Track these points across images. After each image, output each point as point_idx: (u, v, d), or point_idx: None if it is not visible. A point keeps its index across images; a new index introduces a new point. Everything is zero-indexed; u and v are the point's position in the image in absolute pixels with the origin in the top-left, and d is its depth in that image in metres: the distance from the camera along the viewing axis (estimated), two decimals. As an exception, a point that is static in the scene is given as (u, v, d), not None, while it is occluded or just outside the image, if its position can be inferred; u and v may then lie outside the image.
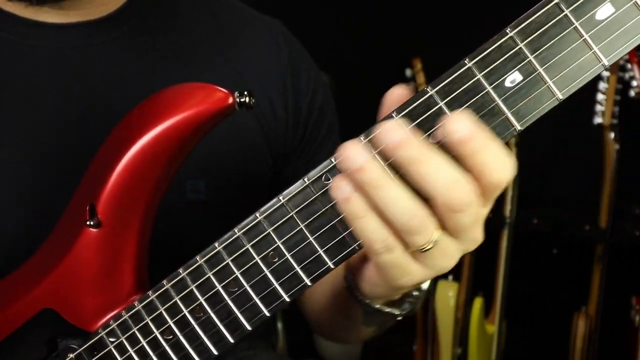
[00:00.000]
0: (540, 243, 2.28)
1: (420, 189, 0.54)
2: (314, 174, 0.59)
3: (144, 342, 0.66)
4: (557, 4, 0.52)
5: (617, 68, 2.06)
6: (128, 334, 0.67)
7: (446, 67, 0.55)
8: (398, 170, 0.54)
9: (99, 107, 0.82)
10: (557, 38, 0.53)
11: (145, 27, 0.88)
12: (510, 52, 0.53)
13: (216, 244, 0.63)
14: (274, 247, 0.61)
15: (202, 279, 0.64)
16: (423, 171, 0.53)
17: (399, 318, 0.70)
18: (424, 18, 2.38)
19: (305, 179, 0.59)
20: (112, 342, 0.67)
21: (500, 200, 2.19)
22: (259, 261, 0.62)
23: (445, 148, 0.53)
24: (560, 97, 0.53)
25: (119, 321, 0.67)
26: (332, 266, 0.60)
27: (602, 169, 2.10)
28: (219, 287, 0.63)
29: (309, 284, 0.61)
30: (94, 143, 0.69)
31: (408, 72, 2.26)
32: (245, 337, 0.66)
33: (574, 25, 0.52)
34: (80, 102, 0.82)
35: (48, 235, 0.71)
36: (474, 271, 2.22)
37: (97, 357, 0.68)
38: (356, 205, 0.55)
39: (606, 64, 0.52)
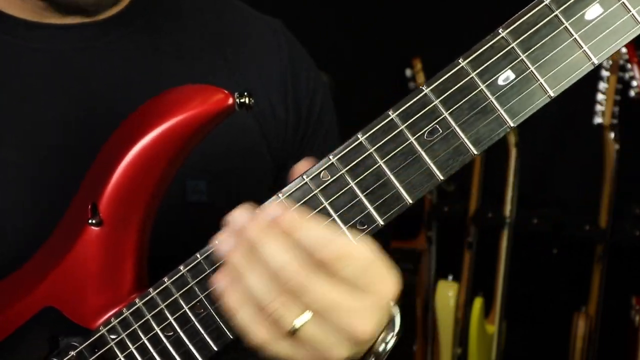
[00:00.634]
0: (540, 243, 2.28)
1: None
2: (312, 170, 0.60)
3: (144, 339, 0.67)
4: (547, 5, 0.54)
5: (617, 68, 2.06)
6: (129, 330, 0.67)
7: (447, 65, 0.56)
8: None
9: (102, 108, 0.83)
10: (548, 38, 0.54)
11: (149, 28, 0.88)
12: (503, 52, 0.55)
13: (216, 242, 0.63)
14: None
15: (202, 276, 0.64)
16: (260, 254, 0.58)
17: None
18: (424, 18, 2.38)
19: (304, 176, 0.60)
20: (113, 339, 0.68)
21: (500, 201, 2.19)
22: None
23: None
24: (552, 94, 0.54)
25: (120, 318, 0.67)
26: None
27: (602, 169, 2.10)
28: None
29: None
30: (96, 144, 0.70)
31: (408, 72, 2.27)
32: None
33: (564, 25, 0.54)
34: (82, 103, 0.83)
35: (49, 234, 0.71)
36: (474, 271, 2.23)
37: (98, 354, 0.68)
38: (231, 298, 0.59)
39: (595, 62, 0.54)
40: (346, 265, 0.57)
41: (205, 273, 0.64)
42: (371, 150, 0.58)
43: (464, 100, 0.55)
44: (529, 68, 0.54)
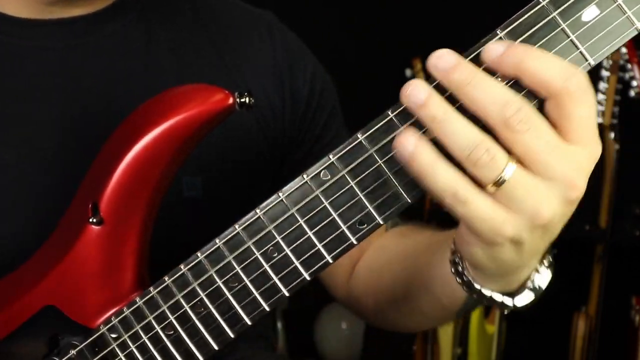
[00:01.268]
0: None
1: (477, 114, 0.53)
2: (312, 170, 0.60)
3: (145, 338, 0.67)
4: (545, 6, 0.54)
5: (617, 68, 2.07)
6: (129, 329, 0.67)
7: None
8: (457, 101, 0.55)
9: (97, 104, 0.83)
10: (545, 39, 0.55)
11: (141, 22, 0.88)
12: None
13: (217, 240, 0.64)
14: (273, 242, 0.62)
15: (203, 275, 0.64)
16: (474, 94, 0.53)
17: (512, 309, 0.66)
18: (424, 18, 2.38)
19: (304, 176, 0.60)
20: (113, 338, 0.68)
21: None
22: (259, 256, 0.63)
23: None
24: None
25: (121, 317, 0.68)
26: (330, 260, 0.61)
27: (602, 169, 2.10)
28: (219, 282, 0.64)
29: (307, 278, 0.62)
30: (94, 140, 0.70)
31: (408, 72, 2.27)
32: (244, 337, 0.67)
33: (561, 27, 0.55)
34: (77, 100, 0.83)
35: (50, 234, 0.72)
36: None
37: (98, 353, 0.69)
38: (422, 157, 0.54)
39: (592, 63, 0.54)
40: (568, 101, 0.53)
41: (207, 272, 0.64)
42: (371, 151, 0.58)
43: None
44: None
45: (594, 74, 2.01)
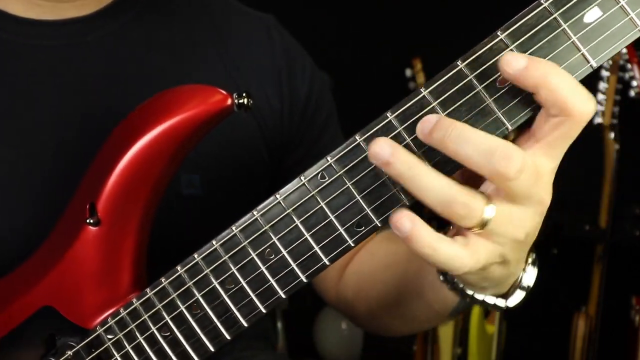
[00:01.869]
0: (540, 243, 2.28)
1: (463, 163, 0.54)
2: (310, 172, 0.60)
3: (141, 339, 0.67)
4: (546, 7, 0.54)
5: (617, 68, 2.06)
6: (126, 330, 0.67)
7: (446, 67, 0.56)
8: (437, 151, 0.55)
9: (95, 103, 0.83)
10: (546, 40, 0.54)
11: (139, 22, 0.88)
12: (501, 54, 0.54)
13: (213, 242, 0.63)
14: (270, 244, 0.62)
15: (199, 276, 0.64)
16: (456, 147, 0.53)
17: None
18: (424, 18, 2.38)
19: (302, 178, 0.60)
20: (109, 339, 0.68)
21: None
22: (255, 258, 0.62)
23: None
24: None
25: (117, 318, 0.68)
26: (327, 263, 0.61)
27: (602, 169, 2.10)
28: (215, 283, 0.64)
29: (304, 280, 0.62)
30: (92, 140, 0.70)
31: (408, 72, 2.26)
32: (243, 338, 0.67)
33: (562, 28, 0.54)
34: (75, 99, 0.83)
35: (47, 231, 0.72)
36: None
37: (94, 354, 0.69)
38: (419, 238, 0.55)
39: (594, 65, 0.54)
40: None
41: (203, 274, 0.64)
42: (368, 152, 0.58)
43: (462, 102, 0.55)
44: None
45: (594, 74, 2.01)
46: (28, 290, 0.70)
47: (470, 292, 0.66)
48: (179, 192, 0.83)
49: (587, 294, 2.13)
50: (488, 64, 0.55)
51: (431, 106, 0.56)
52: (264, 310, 0.64)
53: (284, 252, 0.62)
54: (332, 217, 0.60)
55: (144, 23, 0.89)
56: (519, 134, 0.56)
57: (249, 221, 0.62)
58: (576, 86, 0.52)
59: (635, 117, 2.13)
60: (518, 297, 0.67)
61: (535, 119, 0.55)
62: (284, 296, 0.63)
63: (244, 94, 0.65)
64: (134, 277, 0.69)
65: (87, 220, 0.67)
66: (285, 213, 0.61)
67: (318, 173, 0.60)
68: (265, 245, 0.62)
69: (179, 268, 0.65)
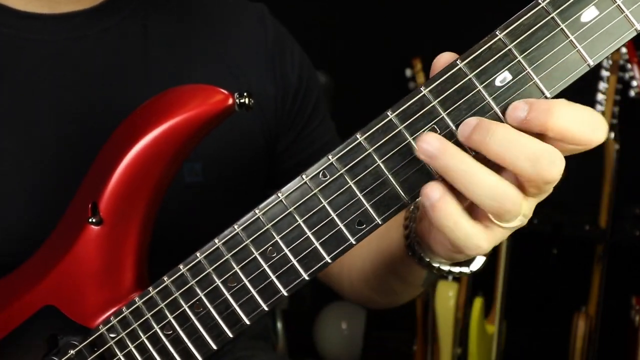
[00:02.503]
0: (540, 243, 2.28)
1: (504, 165, 0.54)
2: (312, 170, 0.60)
3: (143, 338, 0.67)
4: (544, 7, 0.54)
5: (617, 68, 2.06)
6: (128, 329, 0.68)
7: (444, 68, 0.57)
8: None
9: (96, 97, 0.84)
10: (544, 39, 0.55)
11: (137, 16, 0.89)
12: (500, 53, 0.55)
13: (216, 240, 0.64)
14: (272, 242, 0.62)
15: (202, 275, 0.65)
16: (499, 150, 0.53)
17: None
18: (424, 18, 2.39)
19: (303, 176, 0.61)
20: (112, 338, 0.68)
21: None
22: (257, 256, 0.63)
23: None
24: (548, 95, 0.55)
25: (120, 317, 0.68)
26: (329, 261, 0.61)
27: (602, 169, 2.10)
28: (218, 282, 0.64)
29: (306, 278, 0.62)
30: (92, 133, 0.70)
31: (408, 72, 2.26)
32: (244, 337, 0.67)
33: (560, 27, 0.54)
34: (76, 93, 0.83)
35: (48, 226, 0.72)
36: (474, 271, 2.22)
37: (97, 353, 0.69)
38: (444, 210, 0.55)
39: (591, 63, 0.54)
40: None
41: (205, 272, 0.65)
42: (370, 150, 0.58)
43: (461, 101, 0.56)
44: (526, 69, 0.55)
45: (594, 74, 2.01)
46: (30, 289, 0.70)
47: (436, 265, 0.68)
48: (181, 180, 0.84)
49: (587, 294, 2.13)
50: (487, 63, 0.55)
51: (431, 105, 0.57)
52: (266, 308, 0.64)
53: (286, 250, 0.62)
54: (333, 215, 0.60)
55: (141, 17, 0.90)
56: None
57: (251, 220, 0.62)
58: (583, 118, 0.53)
59: (635, 117, 2.13)
60: (480, 261, 0.68)
61: None
62: (286, 294, 0.63)
63: (245, 94, 0.65)
64: (136, 276, 0.69)
65: (89, 220, 0.67)
66: (287, 212, 0.61)
67: (319, 171, 0.60)
68: (268, 244, 0.62)
69: (181, 267, 0.65)
